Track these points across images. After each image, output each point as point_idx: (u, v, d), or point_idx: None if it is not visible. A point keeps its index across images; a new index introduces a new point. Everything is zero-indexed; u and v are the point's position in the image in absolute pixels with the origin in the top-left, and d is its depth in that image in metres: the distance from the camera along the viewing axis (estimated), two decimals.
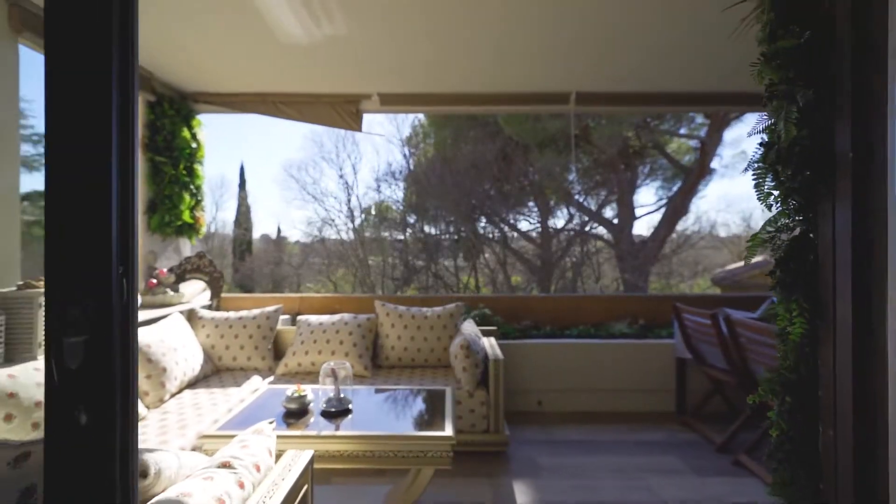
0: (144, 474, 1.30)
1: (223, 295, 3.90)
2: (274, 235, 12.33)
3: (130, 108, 0.75)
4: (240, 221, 11.88)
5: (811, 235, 0.97)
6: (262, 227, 13.42)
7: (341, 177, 10.10)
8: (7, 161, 2.45)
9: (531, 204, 9.84)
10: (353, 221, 10.15)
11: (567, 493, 2.50)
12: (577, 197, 9.80)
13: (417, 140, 10.01)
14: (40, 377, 2.03)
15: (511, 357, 3.51)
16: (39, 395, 1.96)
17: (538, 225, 9.93)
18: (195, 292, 3.68)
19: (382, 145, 9.82)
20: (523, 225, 10.02)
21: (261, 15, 2.69)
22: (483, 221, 9.79)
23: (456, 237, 9.55)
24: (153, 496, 1.30)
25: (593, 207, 9.96)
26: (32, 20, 2.54)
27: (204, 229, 3.92)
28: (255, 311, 3.43)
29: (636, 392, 3.67)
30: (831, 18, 0.89)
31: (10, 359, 2.25)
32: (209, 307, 3.68)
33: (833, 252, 0.89)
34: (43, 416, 1.79)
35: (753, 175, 1.04)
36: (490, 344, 3.32)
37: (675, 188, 9.58)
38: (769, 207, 1.02)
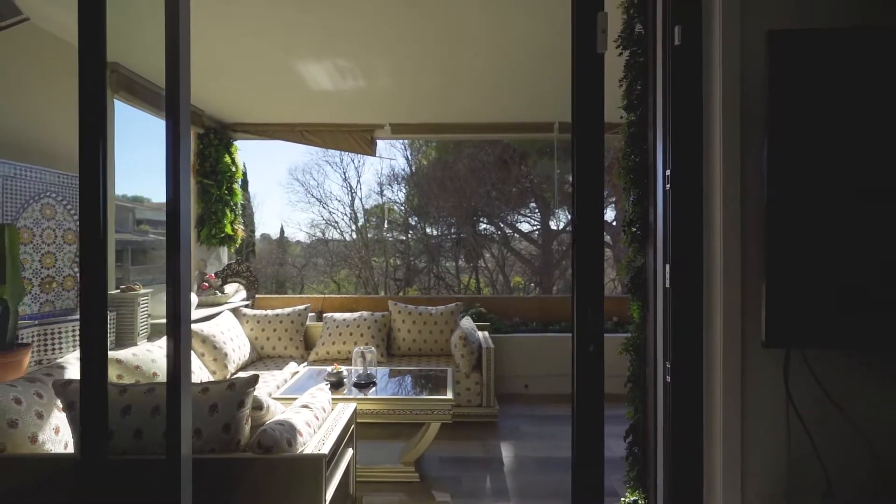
0: (260, 407, 2.20)
1: (257, 296, 4.82)
2: (275, 236, 13.21)
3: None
4: (244, 223, 12.76)
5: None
6: (263, 227, 14.26)
7: (345, 180, 10.98)
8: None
9: (532, 205, 10.70)
10: (356, 223, 11.02)
11: (540, 451, 3.41)
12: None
13: (420, 144, 10.88)
14: (152, 355, 2.92)
15: (502, 348, 4.42)
16: (154, 367, 2.86)
17: (539, 226, 10.79)
18: (231, 292, 4.60)
19: (385, 150, 10.66)
20: (524, 226, 10.90)
21: (298, 74, 3.60)
22: (485, 223, 10.66)
23: (456, 238, 10.43)
24: (264, 422, 2.22)
25: None
26: (126, 81, 3.45)
27: (241, 239, 4.84)
28: (288, 310, 4.35)
29: (609, 377, 4.55)
30: (651, 150, 1.78)
31: (120, 345, 3.17)
32: (248, 306, 4.61)
33: (649, 274, 1.78)
34: (155, 375, 2.78)
35: (622, 231, 1.93)
36: (484, 336, 4.23)
37: None
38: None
